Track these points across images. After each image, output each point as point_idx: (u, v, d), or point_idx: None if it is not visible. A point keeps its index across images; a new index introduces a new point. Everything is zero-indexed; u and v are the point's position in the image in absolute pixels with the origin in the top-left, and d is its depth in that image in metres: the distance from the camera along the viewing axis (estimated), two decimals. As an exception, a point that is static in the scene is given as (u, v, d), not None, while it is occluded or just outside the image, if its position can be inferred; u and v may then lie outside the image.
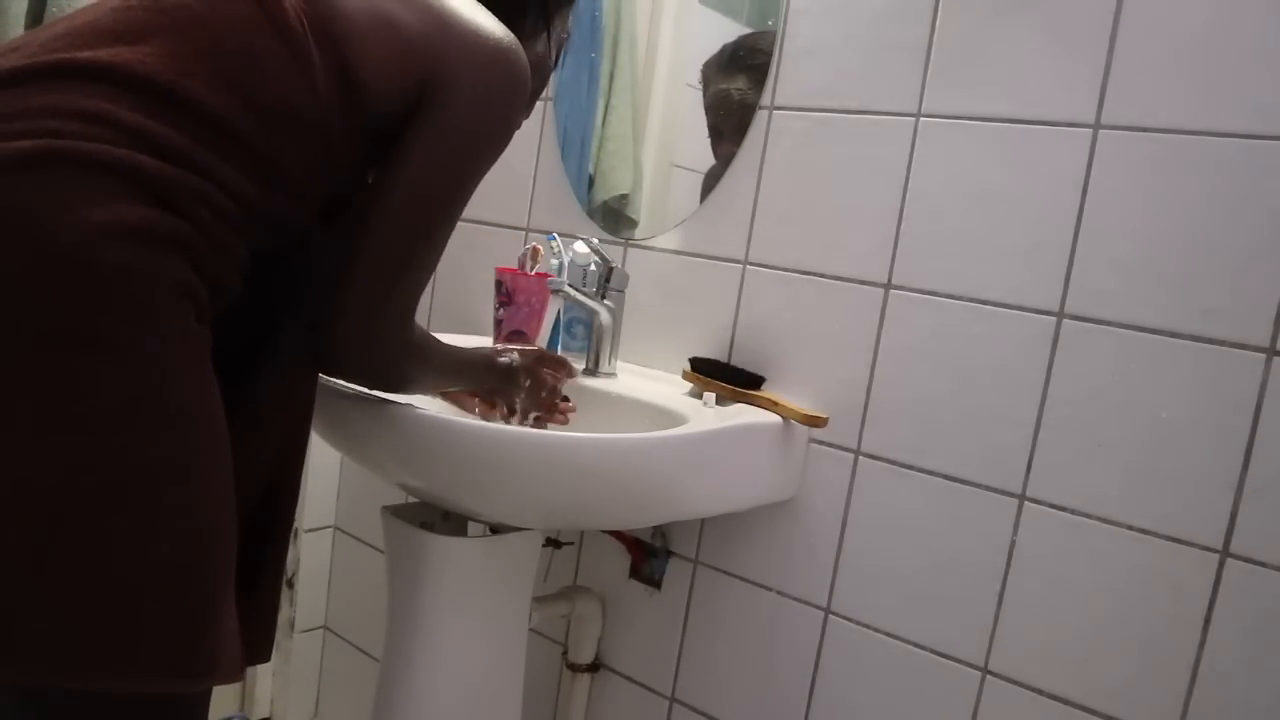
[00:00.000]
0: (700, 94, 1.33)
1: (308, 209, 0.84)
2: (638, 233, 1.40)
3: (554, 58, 1.09)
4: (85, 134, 0.69)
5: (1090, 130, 1.01)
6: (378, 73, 0.84)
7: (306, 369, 0.89)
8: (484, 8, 0.92)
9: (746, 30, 1.30)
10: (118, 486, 0.68)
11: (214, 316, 0.78)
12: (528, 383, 1.10)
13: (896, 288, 1.14)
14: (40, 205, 0.67)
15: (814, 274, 1.20)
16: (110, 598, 0.68)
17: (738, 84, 1.28)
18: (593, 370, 1.31)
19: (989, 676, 1.08)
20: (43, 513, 0.66)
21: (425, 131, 0.86)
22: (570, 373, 1.15)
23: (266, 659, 0.87)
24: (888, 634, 1.15)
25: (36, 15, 1.33)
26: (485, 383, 1.09)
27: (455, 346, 1.04)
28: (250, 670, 1.74)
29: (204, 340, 0.75)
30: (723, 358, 1.28)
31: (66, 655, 0.67)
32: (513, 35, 0.91)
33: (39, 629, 0.67)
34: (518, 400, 1.11)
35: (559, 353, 1.36)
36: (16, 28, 1.31)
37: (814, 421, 1.17)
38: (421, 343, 0.95)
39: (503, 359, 1.10)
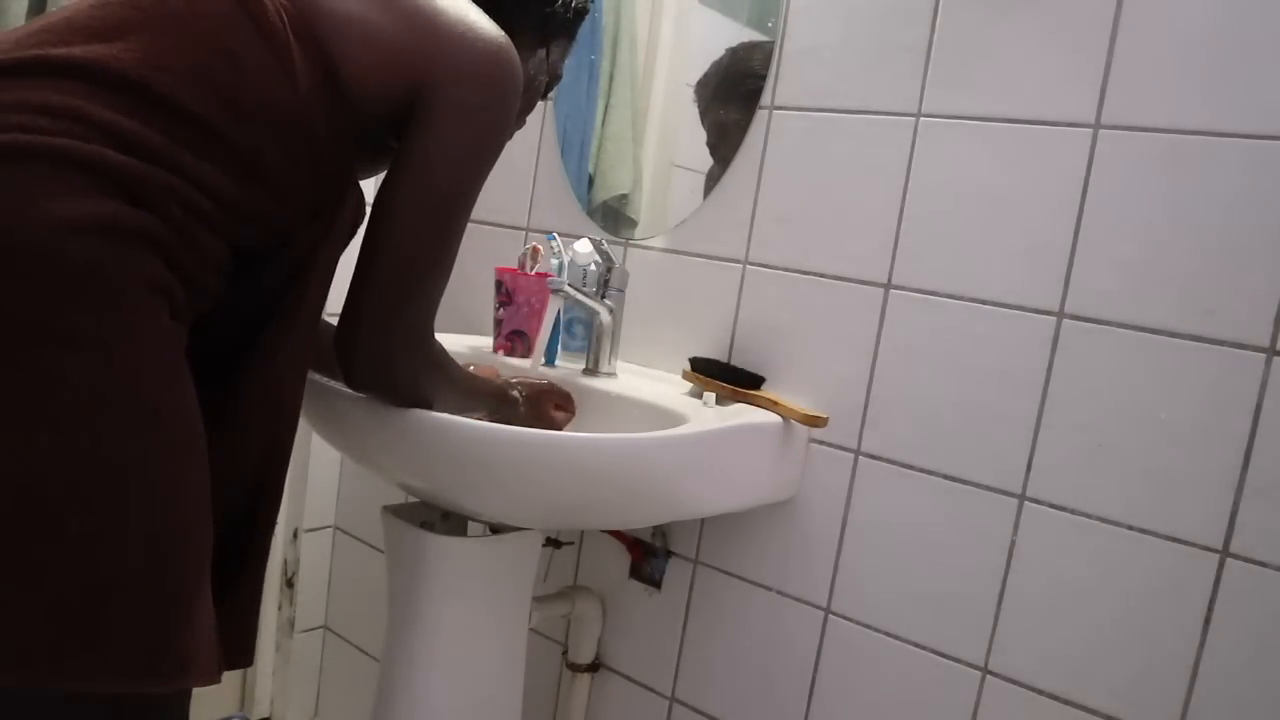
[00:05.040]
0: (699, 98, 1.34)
1: (291, 207, 0.84)
2: (637, 232, 1.40)
3: (545, 87, 1.08)
4: (53, 129, 0.69)
5: (1090, 130, 1.01)
6: (362, 70, 0.83)
7: (292, 370, 0.87)
8: (477, 6, 0.91)
9: (742, 38, 1.29)
10: (84, 484, 0.67)
11: (197, 314, 0.77)
12: (530, 414, 1.12)
13: (896, 288, 1.14)
14: (6, 200, 0.66)
15: (814, 274, 1.20)
16: (76, 597, 0.67)
17: (733, 114, 1.29)
18: (593, 370, 1.30)
19: (989, 676, 1.08)
20: (8, 509, 0.65)
21: (424, 140, 0.85)
22: (572, 410, 1.16)
23: (248, 663, 0.85)
24: (888, 634, 1.15)
25: (37, 14, 1.33)
26: (496, 412, 1.10)
27: (472, 375, 1.06)
28: (250, 670, 1.75)
29: (178, 337, 0.74)
30: (723, 358, 1.28)
31: (32, 654, 0.66)
32: (503, 32, 0.90)
33: (3, 626, 0.65)
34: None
35: (559, 348, 1.37)
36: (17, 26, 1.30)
37: (814, 421, 1.17)
38: (441, 360, 0.96)
39: (513, 393, 1.11)
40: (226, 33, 0.77)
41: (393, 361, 0.90)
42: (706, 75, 1.33)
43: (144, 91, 0.73)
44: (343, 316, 0.88)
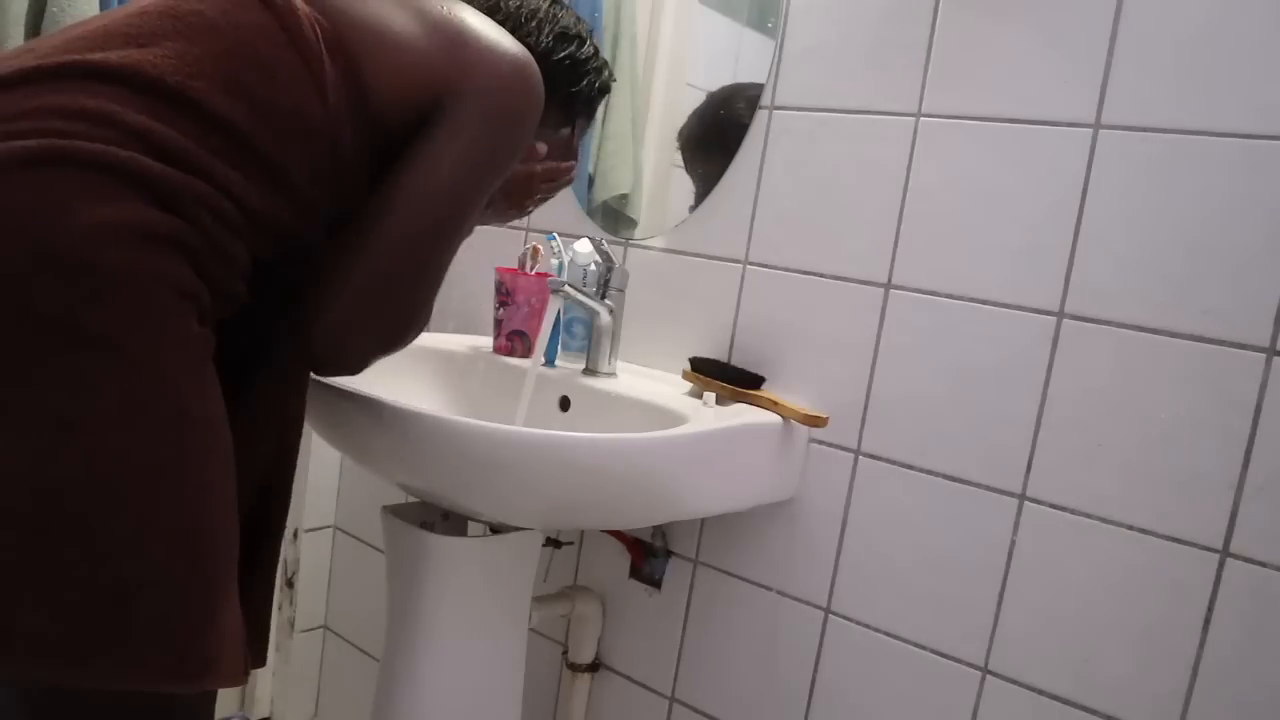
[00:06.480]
0: (701, 94, 1.34)
1: (312, 220, 0.84)
2: (637, 232, 1.40)
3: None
4: (89, 134, 0.69)
5: (1090, 130, 1.01)
6: (389, 87, 0.84)
7: (300, 379, 0.88)
8: (499, 26, 0.91)
9: (731, 82, 1.29)
10: (114, 487, 0.68)
11: (218, 321, 0.78)
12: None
13: (896, 288, 1.14)
14: (41, 204, 0.67)
15: (814, 274, 1.20)
16: (104, 597, 0.67)
17: (716, 169, 1.29)
18: (593, 370, 1.30)
19: (989, 676, 1.08)
20: (39, 511, 0.66)
21: (434, 141, 0.85)
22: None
23: (261, 664, 0.86)
24: (888, 634, 1.15)
25: (37, 14, 1.33)
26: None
27: None
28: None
29: (206, 342, 0.75)
30: (723, 358, 1.28)
31: (59, 652, 0.67)
32: (528, 52, 0.90)
33: (32, 624, 0.66)
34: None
35: (559, 348, 1.37)
36: (17, 27, 1.30)
37: (814, 421, 1.17)
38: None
39: None
40: (261, 44, 0.78)
41: (363, 361, 0.89)
42: (688, 126, 1.34)
43: (178, 97, 0.73)
44: (316, 308, 0.85)
